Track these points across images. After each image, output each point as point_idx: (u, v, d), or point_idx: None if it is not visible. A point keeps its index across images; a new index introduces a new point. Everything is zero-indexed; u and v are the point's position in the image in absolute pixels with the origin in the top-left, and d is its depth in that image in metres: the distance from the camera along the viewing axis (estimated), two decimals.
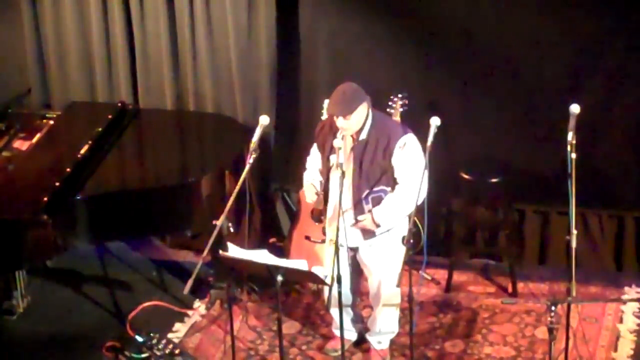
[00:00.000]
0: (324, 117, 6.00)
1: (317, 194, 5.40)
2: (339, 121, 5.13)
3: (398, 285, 5.10)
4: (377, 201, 5.25)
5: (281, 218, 6.90)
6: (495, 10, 6.13)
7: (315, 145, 5.50)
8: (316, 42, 6.56)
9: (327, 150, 5.31)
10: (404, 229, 5.28)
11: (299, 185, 6.47)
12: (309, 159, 5.56)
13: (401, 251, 5.19)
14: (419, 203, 4.98)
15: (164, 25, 6.71)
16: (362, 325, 5.77)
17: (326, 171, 5.34)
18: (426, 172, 4.97)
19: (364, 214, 5.25)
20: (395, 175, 5.22)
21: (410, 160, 5.19)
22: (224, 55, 6.70)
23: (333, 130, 5.28)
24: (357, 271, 5.59)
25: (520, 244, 6.55)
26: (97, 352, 5.80)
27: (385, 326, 5.58)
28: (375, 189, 5.23)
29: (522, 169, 6.30)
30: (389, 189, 5.25)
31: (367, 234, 5.31)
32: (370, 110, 5.22)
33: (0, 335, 6.06)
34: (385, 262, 5.35)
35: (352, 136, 5.22)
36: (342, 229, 4.98)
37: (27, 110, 6.88)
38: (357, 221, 5.26)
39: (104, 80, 6.99)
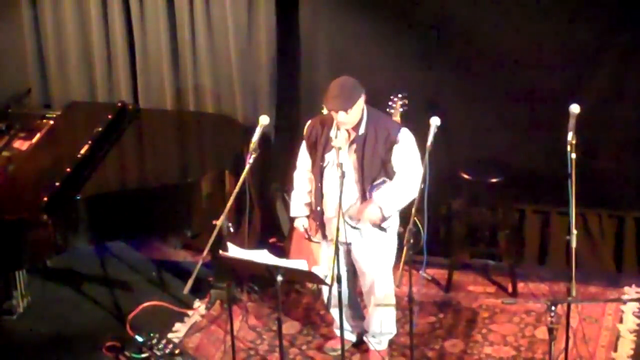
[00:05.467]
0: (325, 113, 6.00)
1: (307, 231, 5.47)
2: (340, 115, 5.08)
3: (398, 285, 5.07)
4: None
5: (281, 218, 6.90)
6: (496, 11, 6.14)
7: (304, 145, 5.42)
8: (316, 42, 6.56)
9: (321, 149, 5.26)
10: (395, 225, 5.33)
11: None
12: (299, 159, 5.49)
13: (394, 249, 5.22)
14: (416, 194, 4.99)
15: (164, 25, 6.72)
16: (363, 327, 5.76)
17: (319, 171, 5.30)
18: (421, 168, 4.98)
19: (367, 203, 5.20)
20: (395, 166, 5.21)
21: (410, 152, 5.20)
22: (224, 55, 6.70)
23: (325, 128, 5.25)
24: (354, 270, 5.59)
25: (520, 244, 6.56)
26: (97, 352, 5.80)
27: (382, 327, 5.57)
28: (378, 181, 5.22)
29: (522, 169, 6.30)
30: (389, 180, 5.24)
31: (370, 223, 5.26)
32: (364, 104, 5.21)
33: (0, 335, 6.05)
34: (378, 260, 5.35)
35: (348, 130, 5.18)
36: (342, 228, 4.97)
37: (27, 110, 6.88)
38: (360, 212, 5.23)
39: (104, 80, 7.00)
